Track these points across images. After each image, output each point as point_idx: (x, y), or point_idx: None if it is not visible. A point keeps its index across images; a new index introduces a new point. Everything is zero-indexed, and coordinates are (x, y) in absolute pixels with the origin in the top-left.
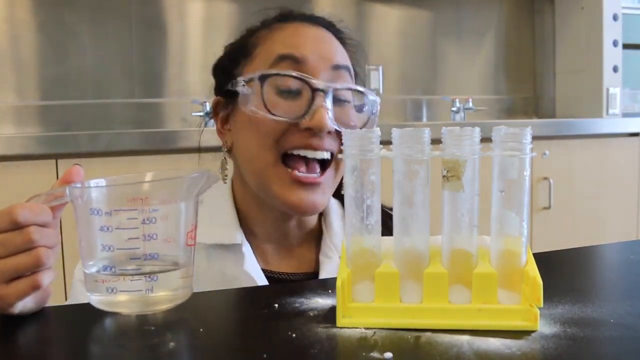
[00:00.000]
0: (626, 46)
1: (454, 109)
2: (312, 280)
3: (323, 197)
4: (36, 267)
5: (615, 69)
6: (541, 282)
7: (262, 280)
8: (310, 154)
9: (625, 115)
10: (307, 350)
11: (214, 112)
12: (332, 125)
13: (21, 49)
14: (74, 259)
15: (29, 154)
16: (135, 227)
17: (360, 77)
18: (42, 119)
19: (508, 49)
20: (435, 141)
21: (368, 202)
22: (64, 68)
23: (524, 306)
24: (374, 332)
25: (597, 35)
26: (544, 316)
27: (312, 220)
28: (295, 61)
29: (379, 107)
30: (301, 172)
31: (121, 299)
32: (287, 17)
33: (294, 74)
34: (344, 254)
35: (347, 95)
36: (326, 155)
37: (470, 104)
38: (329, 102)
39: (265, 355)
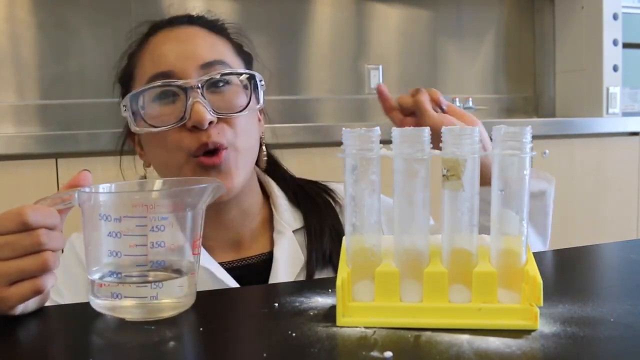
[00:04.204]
0: (626, 45)
1: None
2: (312, 280)
3: (231, 179)
4: (42, 271)
5: (615, 68)
6: (541, 281)
7: (219, 271)
8: (204, 160)
9: (625, 114)
10: (307, 350)
11: (129, 135)
12: (211, 116)
13: (21, 48)
14: None
15: (28, 154)
16: (143, 234)
17: (245, 53)
18: (41, 119)
19: (508, 48)
20: None
21: (368, 202)
22: (64, 68)
23: (524, 305)
24: (374, 332)
25: (597, 34)
26: (544, 315)
27: (255, 206)
28: (165, 75)
29: (261, 80)
30: (204, 156)
31: (125, 305)
32: (154, 30)
33: (158, 83)
34: (343, 253)
35: (224, 81)
36: (217, 160)
37: (470, 103)
38: (202, 97)
39: (265, 355)
